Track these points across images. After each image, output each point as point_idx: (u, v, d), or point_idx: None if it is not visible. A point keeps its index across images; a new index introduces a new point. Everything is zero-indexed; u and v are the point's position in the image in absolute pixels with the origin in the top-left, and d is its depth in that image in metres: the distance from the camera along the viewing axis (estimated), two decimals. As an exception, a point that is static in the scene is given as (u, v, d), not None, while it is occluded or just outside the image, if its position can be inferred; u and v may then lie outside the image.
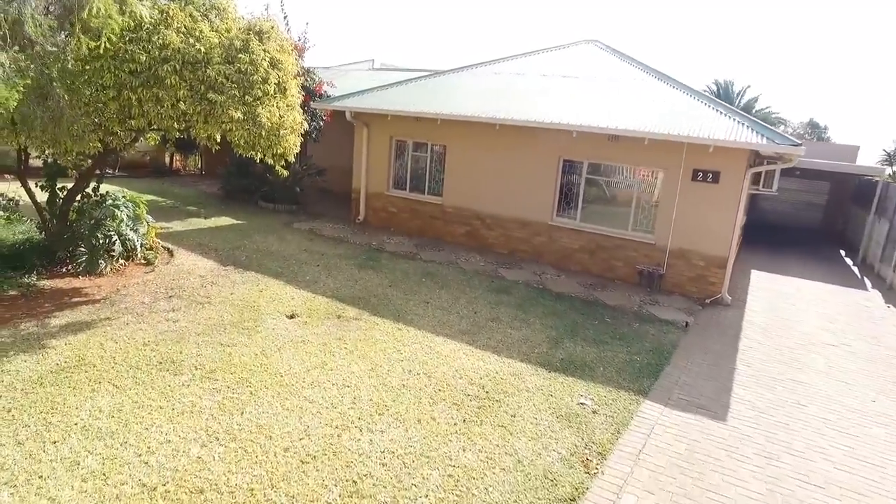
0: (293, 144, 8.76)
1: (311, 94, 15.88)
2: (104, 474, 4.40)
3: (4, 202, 11.83)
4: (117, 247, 9.26)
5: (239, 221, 14.09)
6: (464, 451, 5.23)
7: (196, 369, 6.22)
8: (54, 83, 6.86)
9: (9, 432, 4.79)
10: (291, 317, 8.07)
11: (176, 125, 8.18)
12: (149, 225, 10.38)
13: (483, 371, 6.96)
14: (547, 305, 9.74)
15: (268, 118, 7.94)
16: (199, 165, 23.67)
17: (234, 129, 7.83)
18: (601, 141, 11.70)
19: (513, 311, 9.22)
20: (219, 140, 8.43)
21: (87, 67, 7.39)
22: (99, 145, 8.31)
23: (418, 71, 19.67)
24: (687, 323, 9.62)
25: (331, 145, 19.03)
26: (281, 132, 8.23)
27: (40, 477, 4.30)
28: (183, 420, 5.24)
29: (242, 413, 5.46)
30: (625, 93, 12.80)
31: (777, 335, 9.56)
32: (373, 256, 11.78)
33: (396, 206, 14.72)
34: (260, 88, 7.96)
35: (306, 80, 15.80)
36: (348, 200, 15.87)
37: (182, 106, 7.67)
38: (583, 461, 5.28)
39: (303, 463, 4.80)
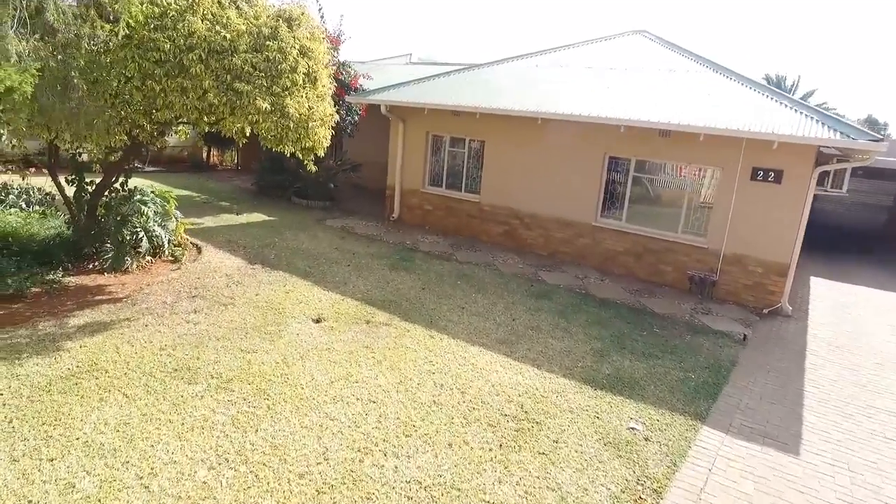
0: (323, 138, 8.30)
1: (346, 87, 15.49)
2: (99, 500, 3.98)
3: (41, 197, 11.83)
4: (144, 244, 8.99)
5: (271, 218, 13.79)
6: (499, 483, 4.65)
7: (212, 378, 5.79)
8: (73, 73, 6.52)
9: (5, 447, 4.43)
10: (318, 321, 7.62)
11: (205, 118, 7.83)
12: (177, 221, 10.11)
13: (522, 387, 6.35)
14: (591, 313, 9.05)
15: (296, 109, 7.49)
16: (236, 160, 23.64)
17: (260, 120, 7.40)
18: (651, 136, 10.91)
19: (554, 319, 8.58)
20: (247, 134, 8.03)
21: (113, 58, 7.09)
22: (125, 139, 8.05)
23: (456, 65, 19.08)
24: (745, 336, 8.79)
25: (366, 140, 18.65)
26: (310, 124, 7.77)
27: (29, 502, 3.91)
28: (192, 437, 4.80)
29: (257, 430, 5.00)
30: (677, 85, 11.94)
31: (847, 352, 8.65)
32: (406, 256, 11.27)
33: (432, 203, 14.20)
34: (288, 78, 7.52)
35: (341, 73, 15.42)
36: (382, 197, 15.43)
37: (209, 97, 7.28)
38: (636, 500, 4.63)
39: (318, 493, 4.29)
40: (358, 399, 5.71)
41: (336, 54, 15.87)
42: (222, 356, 6.28)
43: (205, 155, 23.07)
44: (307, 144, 8.01)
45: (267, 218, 13.74)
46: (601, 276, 11.37)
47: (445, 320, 8.09)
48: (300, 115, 7.56)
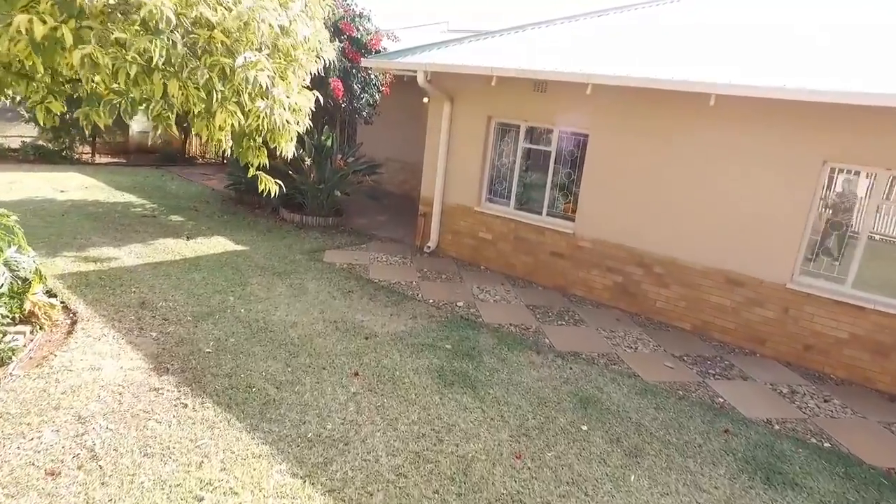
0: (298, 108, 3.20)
1: (362, 49, 10.42)
2: None
3: None
4: None
5: (238, 247, 8.72)
6: None
7: None
8: None
9: None
10: None
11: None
12: (19, 273, 5.07)
13: None
14: (913, 541, 3.88)
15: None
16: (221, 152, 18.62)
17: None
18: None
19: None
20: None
21: None
22: None
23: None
24: None
25: (388, 128, 13.63)
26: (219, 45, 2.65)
27: None
28: None
29: None
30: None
31: None
32: (462, 343, 6.14)
33: (492, 229, 9.05)
34: None
35: (355, 28, 10.37)
36: (408, 208, 10.36)
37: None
38: None
39: None
40: None
41: (353, 2, 10.82)
42: None
43: (182, 143, 18.12)
44: (209, 124, 2.90)
45: (232, 247, 8.68)
46: (817, 388, 6.16)
47: None
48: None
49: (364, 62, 9.40)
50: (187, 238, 8.86)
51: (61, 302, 5.83)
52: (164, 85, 2.55)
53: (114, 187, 12.00)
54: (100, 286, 6.45)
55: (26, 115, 14.12)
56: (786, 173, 6.59)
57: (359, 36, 10.46)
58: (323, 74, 6.22)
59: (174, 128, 3.05)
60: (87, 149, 15.80)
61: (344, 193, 11.07)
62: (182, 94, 2.63)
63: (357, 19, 10.58)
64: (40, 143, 14.76)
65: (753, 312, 7.04)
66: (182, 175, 14.67)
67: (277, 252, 8.63)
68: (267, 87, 2.78)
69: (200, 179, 14.32)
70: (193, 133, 3.24)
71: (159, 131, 2.96)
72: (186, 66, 2.56)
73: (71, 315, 5.66)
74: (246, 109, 2.92)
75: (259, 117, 3.02)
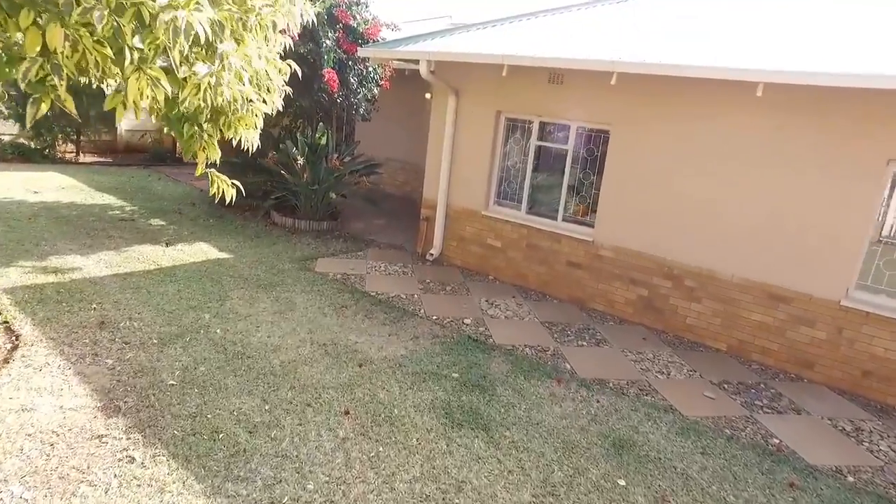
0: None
1: (359, 39, 9.60)
2: None
3: None
4: None
5: (222, 255, 7.90)
6: None
7: None
8: None
9: None
10: None
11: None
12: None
13: None
14: None
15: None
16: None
17: None
18: None
19: None
20: None
21: None
22: None
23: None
24: None
25: (383, 124, 12.85)
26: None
27: None
28: None
29: None
30: None
31: None
32: (472, 370, 5.30)
33: (501, 235, 8.21)
34: None
35: (351, 16, 9.54)
36: (409, 211, 9.53)
37: None
38: None
39: None
40: None
41: (346, -13, 9.98)
42: None
43: (175, 143, 17.33)
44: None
45: (216, 255, 7.86)
46: (884, 424, 5.32)
47: None
48: None
49: (361, 52, 8.57)
50: (166, 244, 8.04)
51: (3, 322, 5.01)
52: (43, 34, 1.74)
53: (94, 188, 11.18)
54: (55, 302, 5.62)
55: (5, 112, 13.32)
56: (842, 173, 5.76)
57: (355, 25, 9.63)
58: (300, 50, 5.36)
59: (70, 102, 2.20)
60: (72, 147, 15.01)
61: (340, 195, 10.24)
62: (73, 49, 1.80)
63: (354, 7, 9.75)
64: (21, 140, 13.95)
65: (800, 332, 6.20)
66: (170, 175, 13.85)
67: (264, 260, 7.80)
68: (208, 39, 1.94)
69: (189, 180, 13.48)
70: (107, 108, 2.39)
71: (38, 110, 2.08)
72: (77, 4, 1.74)
73: (12, 338, 4.83)
74: (179, 77, 2.08)
75: (200, 88, 2.17)
